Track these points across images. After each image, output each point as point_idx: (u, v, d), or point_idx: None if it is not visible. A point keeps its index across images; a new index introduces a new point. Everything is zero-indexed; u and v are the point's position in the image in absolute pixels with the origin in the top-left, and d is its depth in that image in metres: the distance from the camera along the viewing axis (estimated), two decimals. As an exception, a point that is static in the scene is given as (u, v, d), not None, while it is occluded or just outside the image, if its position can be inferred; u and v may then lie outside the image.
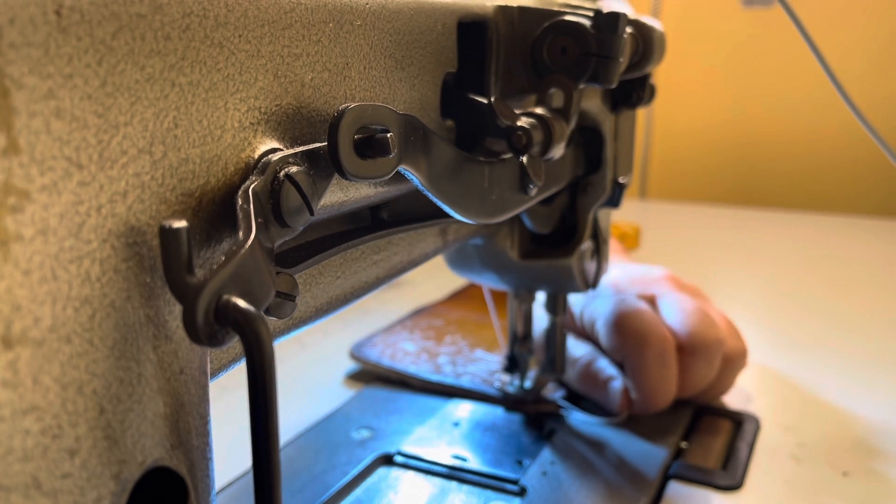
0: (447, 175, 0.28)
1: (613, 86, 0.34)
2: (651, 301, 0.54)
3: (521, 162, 0.32)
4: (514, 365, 0.54)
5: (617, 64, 0.34)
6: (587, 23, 0.33)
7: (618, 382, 0.51)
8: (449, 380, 0.57)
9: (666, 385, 0.49)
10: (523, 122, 0.31)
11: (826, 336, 0.70)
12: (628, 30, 0.36)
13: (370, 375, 0.60)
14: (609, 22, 0.33)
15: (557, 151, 0.33)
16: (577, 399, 0.54)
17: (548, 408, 0.53)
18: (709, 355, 0.50)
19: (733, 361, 0.52)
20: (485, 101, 0.32)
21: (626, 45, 0.34)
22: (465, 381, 0.57)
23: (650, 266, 0.61)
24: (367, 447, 0.48)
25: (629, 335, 0.50)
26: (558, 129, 0.32)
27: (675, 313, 0.51)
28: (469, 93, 0.33)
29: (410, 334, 0.67)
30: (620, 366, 0.51)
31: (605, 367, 0.52)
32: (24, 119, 0.16)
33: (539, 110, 0.32)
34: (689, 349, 0.50)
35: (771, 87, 1.65)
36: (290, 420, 0.52)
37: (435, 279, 0.83)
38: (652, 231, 1.10)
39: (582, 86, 0.34)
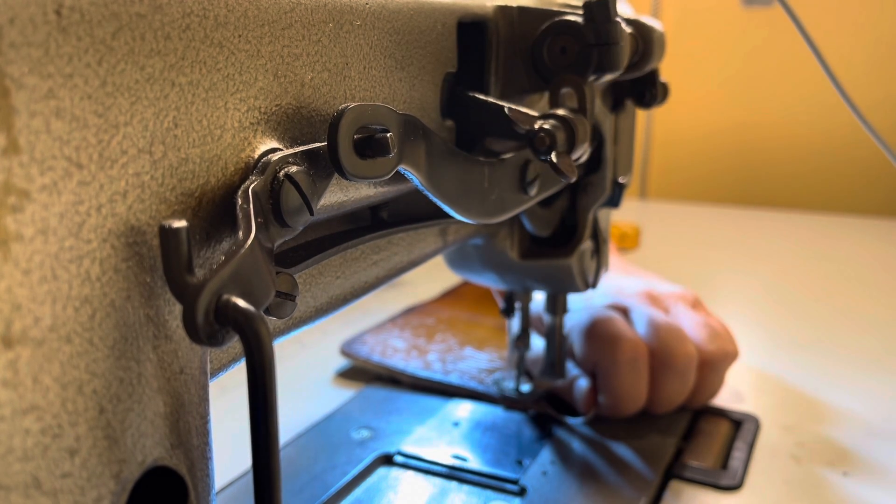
0: (447, 175, 0.28)
1: (621, 70, 0.34)
2: (624, 312, 0.54)
3: (550, 160, 0.31)
4: (511, 307, 0.52)
5: (619, 48, 0.34)
6: (582, 19, 0.33)
7: (583, 381, 0.51)
8: (438, 376, 0.57)
9: (636, 390, 0.49)
10: (545, 123, 0.31)
11: (826, 336, 0.70)
12: (628, 30, 0.36)
13: (363, 374, 0.60)
14: (600, 9, 0.33)
15: (584, 150, 0.32)
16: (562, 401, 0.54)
17: (545, 408, 0.53)
18: (679, 371, 0.49)
19: (715, 365, 0.51)
20: (501, 104, 0.32)
21: (622, 30, 0.34)
22: (454, 378, 0.57)
23: (629, 278, 0.61)
24: (367, 447, 0.48)
25: (602, 340, 0.49)
26: (581, 127, 0.32)
27: (646, 327, 0.51)
28: (474, 93, 0.33)
29: (401, 332, 0.67)
30: (593, 375, 0.51)
31: (571, 368, 0.52)
32: (24, 119, 0.16)
33: (559, 111, 0.32)
34: (659, 364, 0.49)
35: (771, 87, 1.65)
36: (288, 419, 0.52)
37: (435, 279, 0.83)
38: (652, 231, 1.10)
39: (591, 78, 0.34)
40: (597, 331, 0.50)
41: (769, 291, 0.84)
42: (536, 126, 0.31)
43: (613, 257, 0.68)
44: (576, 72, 0.34)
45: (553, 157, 0.31)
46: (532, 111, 0.32)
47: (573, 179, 0.32)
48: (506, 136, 0.32)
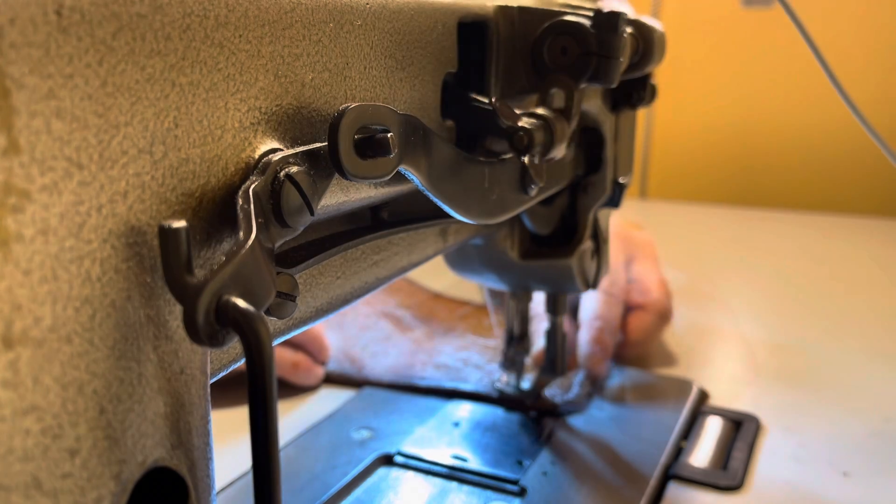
0: (447, 175, 0.28)
1: (614, 85, 0.34)
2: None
3: (523, 162, 0.32)
4: (511, 364, 0.54)
5: (618, 63, 0.34)
6: (587, 23, 0.33)
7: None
8: (435, 382, 0.58)
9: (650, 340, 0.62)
10: (525, 122, 0.31)
11: (826, 336, 0.70)
12: (628, 30, 0.36)
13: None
14: (609, 21, 0.33)
15: (559, 152, 0.33)
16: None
17: (546, 405, 0.53)
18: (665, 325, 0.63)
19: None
20: (486, 101, 0.32)
21: (626, 45, 0.34)
22: (446, 381, 0.57)
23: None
24: (367, 447, 0.48)
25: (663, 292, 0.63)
26: (560, 129, 0.32)
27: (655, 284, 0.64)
28: (470, 93, 0.33)
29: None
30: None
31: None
32: (24, 119, 0.16)
33: (540, 110, 0.32)
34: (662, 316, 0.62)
35: (771, 87, 1.65)
36: (288, 419, 0.52)
37: (435, 279, 0.83)
38: (652, 231, 1.09)
39: (583, 85, 0.34)
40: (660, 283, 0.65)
41: (769, 291, 0.84)
42: (518, 123, 0.31)
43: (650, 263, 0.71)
44: (571, 74, 0.34)
45: (526, 159, 0.31)
46: (517, 110, 0.32)
47: (541, 185, 0.32)
48: (493, 131, 0.32)
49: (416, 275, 0.81)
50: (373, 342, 0.64)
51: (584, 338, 0.58)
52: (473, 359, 0.60)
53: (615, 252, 0.65)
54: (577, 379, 0.56)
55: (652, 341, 0.63)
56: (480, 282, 0.51)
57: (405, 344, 0.64)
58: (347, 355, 0.62)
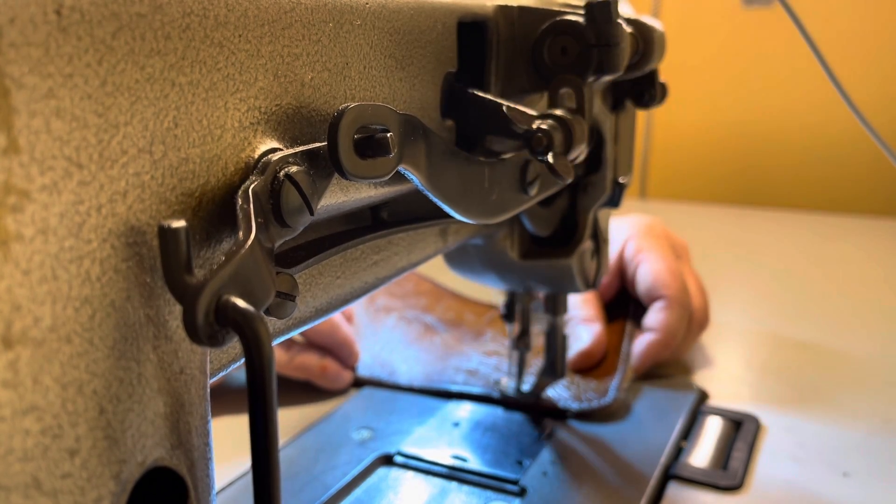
0: (447, 175, 0.28)
1: (621, 72, 0.34)
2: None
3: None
4: (511, 312, 0.53)
5: (619, 49, 0.34)
6: (583, 20, 0.33)
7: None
8: (437, 385, 0.57)
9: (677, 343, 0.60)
10: (541, 123, 0.31)
11: (826, 336, 0.70)
12: (628, 29, 0.36)
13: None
14: (601, 10, 0.33)
15: (581, 150, 0.32)
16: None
17: (546, 404, 0.53)
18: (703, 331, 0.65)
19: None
20: (500, 102, 0.32)
21: (624, 32, 0.34)
22: (449, 384, 0.57)
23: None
24: (367, 447, 0.48)
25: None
26: (578, 128, 0.32)
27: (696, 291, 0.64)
28: (474, 91, 0.33)
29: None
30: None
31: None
32: (24, 118, 0.16)
33: (557, 111, 0.32)
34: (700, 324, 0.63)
35: (771, 87, 1.64)
36: (288, 419, 0.52)
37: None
38: (652, 231, 1.09)
39: (591, 79, 0.34)
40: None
41: (769, 291, 0.84)
42: (534, 126, 0.31)
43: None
44: (576, 72, 0.34)
45: (550, 157, 0.31)
46: (530, 110, 0.32)
47: (570, 180, 0.32)
48: (503, 135, 0.32)
49: (440, 274, 0.81)
50: (403, 347, 0.64)
51: (640, 346, 0.59)
52: (504, 364, 0.60)
53: (667, 252, 0.65)
54: (613, 384, 0.56)
55: (690, 348, 0.64)
56: (480, 282, 0.51)
57: (436, 349, 0.64)
58: (378, 360, 0.62)
